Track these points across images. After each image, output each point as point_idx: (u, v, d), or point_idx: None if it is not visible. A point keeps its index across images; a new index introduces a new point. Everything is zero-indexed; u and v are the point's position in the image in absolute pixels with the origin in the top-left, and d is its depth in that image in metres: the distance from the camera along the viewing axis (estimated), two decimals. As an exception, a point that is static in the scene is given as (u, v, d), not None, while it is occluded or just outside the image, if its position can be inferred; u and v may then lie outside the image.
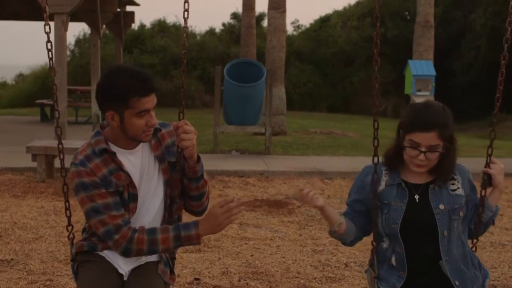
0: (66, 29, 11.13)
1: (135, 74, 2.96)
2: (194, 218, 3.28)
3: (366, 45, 28.75)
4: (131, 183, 3.08)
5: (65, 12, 11.00)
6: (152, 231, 3.03)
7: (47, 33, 3.51)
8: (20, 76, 32.81)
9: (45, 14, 3.50)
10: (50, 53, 3.53)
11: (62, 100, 10.85)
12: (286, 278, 5.54)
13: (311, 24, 32.35)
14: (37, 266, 5.72)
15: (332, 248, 6.47)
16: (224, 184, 9.54)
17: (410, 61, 14.44)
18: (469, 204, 3.15)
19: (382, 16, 28.16)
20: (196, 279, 5.45)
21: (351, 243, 3.30)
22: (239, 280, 5.44)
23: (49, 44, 3.53)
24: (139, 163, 3.12)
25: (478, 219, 3.19)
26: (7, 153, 11.38)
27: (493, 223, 3.26)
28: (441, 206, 3.06)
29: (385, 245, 3.18)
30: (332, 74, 28.96)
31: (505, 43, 3.24)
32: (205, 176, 3.20)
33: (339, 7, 37.29)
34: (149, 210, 3.15)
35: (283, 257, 6.14)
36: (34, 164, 9.40)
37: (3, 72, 37.53)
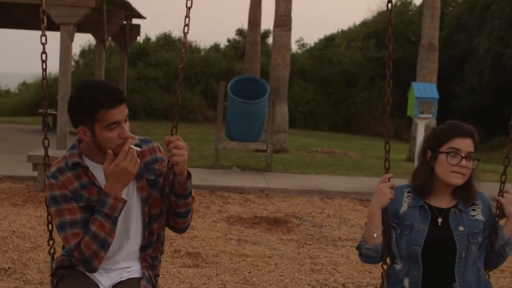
0: (72, 40, 11.18)
1: (100, 87, 2.93)
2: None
3: (369, 66, 28.84)
4: None
5: (72, 22, 11.06)
6: (87, 229, 2.95)
7: (43, 44, 3.52)
8: (24, 84, 32.91)
9: (42, 25, 3.49)
10: (44, 64, 3.52)
11: (65, 110, 10.86)
12: (283, 296, 5.52)
13: (315, 43, 32.46)
14: (34, 275, 5.71)
15: (330, 268, 6.46)
16: (224, 200, 9.54)
17: (413, 83, 14.45)
18: (486, 231, 3.19)
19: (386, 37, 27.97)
20: (193, 294, 5.44)
21: (379, 261, 3.21)
22: (236, 297, 5.43)
23: (43, 55, 3.52)
24: None
25: (492, 247, 3.21)
26: (8, 161, 11.39)
27: (505, 253, 3.24)
28: (461, 228, 3.11)
29: (398, 267, 3.16)
30: (335, 93, 29.00)
31: None
32: (193, 193, 3.16)
33: (344, 27, 37.37)
34: (130, 227, 3.10)
35: (281, 275, 6.13)
36: (35, 173, 9.41)
37: (7, 80, 37.67)
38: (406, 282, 3.12)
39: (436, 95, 14.04)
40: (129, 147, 2.94)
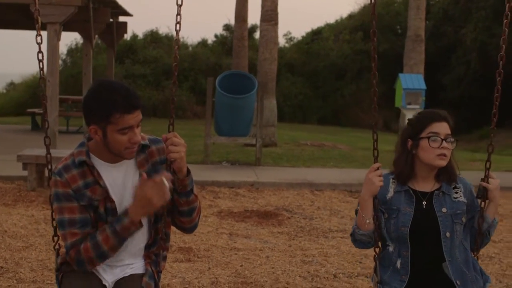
0: (58, 39, 11.18)
1: (118, 90, 2.93)
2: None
3: (357, 58, 28.92)
4: (107, 197, 3.05)
5: (58, 22, 11.06)
6: (93, 235, 3.00)
7: (39, 44, 3.52)
8: (11, 84, 32.78)
9: (37, 25, 3.49)
10: (41, 63, 3.53)
11: (54, 109, 10.88)
12: (275, 288, 5.57)
13: (303, 37, 32.51)
14: (27, 274, 5.73)
15: (321, 259, 6.51)
16: (215, 195, 9.57)
17: (400, 75, 14.55)
18: (469, 213, 3.39)
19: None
20: (186, 288, 5.48)
21: (372, 245, 3.40)
22: (229, 290, 5.47)
23: (40, 55, 3.53)
24: (121, 177, 3.09)
25: (479, 230, 3.39)
26: (-2, 162, 11.37)
27: (489, 235, 3.44)
28: (444, 210, 3.31)
29: (390, 249, 3.35)
30: (323, 86, 29.07)
31: (500, 60, 3.36)
32: (195, 191, 3.15)
33: (331, 20, 37.41)
34: None
35: (273, 268, 6.17)
36: (25, 173, 9.41)
37: (-6, 80, 37.45)
38: (398, 263, 3.31)
39: (423, 86, 14.13)
40: (162, 180, 2.93)
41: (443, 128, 3.31)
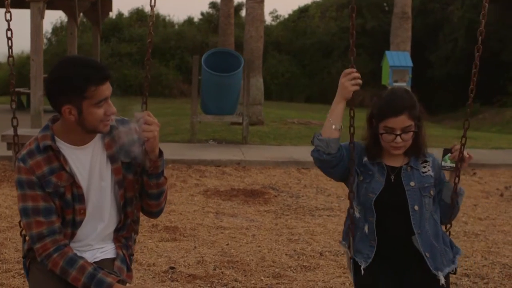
0: (42, 17, 11.04)
1: (87, 63, 2.85)
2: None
3: (344, 36, 28.82)
4: (74, 183, 2.96)
5: (42, -1, 10.91)
6: (70, 262, 2.91)
7: (8, 21, 3.48)
8: (-4, 64, 32.50)
9: (6, 2, 3.44)
10: (10, 41, 3.47)
11: (38, 88, 10.77)
12: (262, 267, 5.56)
13: (289, 15, 32.45)
14: (11, 255, 5.69)
15: (308, 237, 6.51)
16: (201, 174, 9.55)
17: (387, 52, 14.52)
18: (437, 186, 3.44)
19: (360, 7, 28.04)
20: (171, 267, 5.46)
21: (332, 157, 3.36)
22: (214, 269, 5.46)
23: (9, 32, 3.48)
24: (88, 161, 3.00)
25: (452, 202, 3.44)
26: (-18, 142, 11.28)
27: (458, 204, 3.50)
28: (412, 183, 3.35)
29: (357, 214, 3.41)
30: (310, 64, 29.03)
31: (479, 36, 3.36)
32: (165, 173, 3.07)
33: (318, -3, 37.29)
34: (103, 211, 3.05)
35: (259, 246, 6.17)
36: (10, 153, 9.35)
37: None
38: (366, 227, 3.38)
39: (410, 63, 14.12)
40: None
41: (398, 122, 3.26)
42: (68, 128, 2.93)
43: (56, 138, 2.96)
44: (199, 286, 5.12)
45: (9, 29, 3.49)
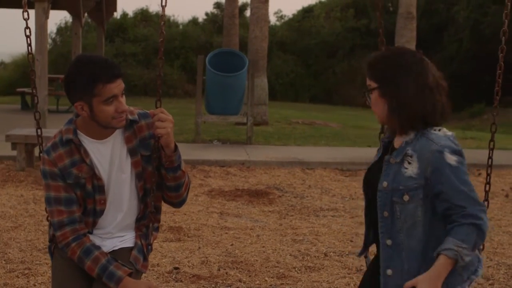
0: (47, 17, 11.07)
1: (97, 62, 2.97)
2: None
3: (349, 36, 28.83)
4: (94, 175, 3.09)
5: (46, -1, 10.94)
6: (87, 252, 3.07)
7: (26, 20, 3.58)
8: (1, 64, 32.59)
9: (23, 1, 3.55)
10: (28, 39, 3.58)
11: (43, 88, 10.79)
12: (266, 267, 5.55)
13: (294, 15, 32.40)
14: (15, 254, 5.69)
15: (312, 237, 6.49)
16: (205, 174, 9.54)
17: (392, 52, 14.48)
18: (430, 192, 2.59)
19: (365, 7, 28.10)
20: (176, 268, 5.45)
21: None
22: (219, 269, 5.45)
23: (27, 31, 3.58)
24: (108, 154, 3.11)
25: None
26: (-13, 141, 11.30)
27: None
28: (384, 184, 2.65)
29: None
30: (314, 64, 29.00)
31: (502, 36, 3.30)
32: (183, 167, 3.17)
33: (323, -3, 37.29)
34: (122, 202, 3.16)
35: (263, 247, 6.15)
36: (14, 153, 9.34)
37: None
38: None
39: (414, 63, 14.06)
40: None
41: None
42: (87, 122, 3.07)
43: (79, 132, 3.10)
44: (203, 286, 5.11)
45: (27, 27, 3.60)
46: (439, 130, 2.66)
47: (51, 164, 3.06)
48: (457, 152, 2.59)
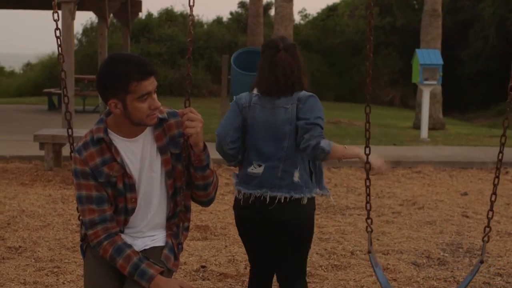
0: (73, 18, 11.16)
1: (131, 60, 2.99)
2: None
3: (374, 34, 28.69)
4: (125, 173, 3.11)
5: (73, 1, 11.03)
6: (118, 251, 3.09)
7: (56, 21, 3.61)
8: (28, 65, 32.91)
9: (53, 2, 3.58)
10: (58, 40, 3.62)
11: (69, 88, 10.88)
12: (292, 266, 5.55)
13: (318, 13, 32.28)
14: (44, 253, 5.76)
15: (338, 236, 6.49)
16: (231, 173, 9.54)
17: (417, 50, 14.38)
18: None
19: (390, 5, 27.81)
20: (203, 266, 5.48)
21: None
22: (245, 268, 5.47)
23: (57, 32, 3.62)
24: (139, 152, 3.13)
25: None
26: (15, 142, 11.43)
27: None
28: None
29: None
30: (339, 63, 28.90)
31: None
32: (212, 166, 3.19)
33: (347, -4, 37.17)
34: (153, 200, 3.18)
35: (289, 245, 6.15)
36: (42, 153, 9.44)
37: (11, 60, 37.68)
38: None
39: (440, 61, 13.97)
40: None
41: None
42: (118, 121, 3.09)
43: (109, 131, 3.12)
44: (230, 284, 5.13)
45: (57, 28, 3.63)
46: None
47: (83, 163, 3.08)
48: None
